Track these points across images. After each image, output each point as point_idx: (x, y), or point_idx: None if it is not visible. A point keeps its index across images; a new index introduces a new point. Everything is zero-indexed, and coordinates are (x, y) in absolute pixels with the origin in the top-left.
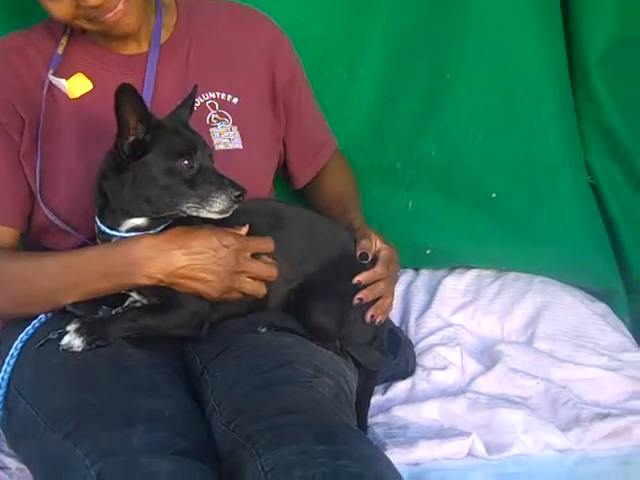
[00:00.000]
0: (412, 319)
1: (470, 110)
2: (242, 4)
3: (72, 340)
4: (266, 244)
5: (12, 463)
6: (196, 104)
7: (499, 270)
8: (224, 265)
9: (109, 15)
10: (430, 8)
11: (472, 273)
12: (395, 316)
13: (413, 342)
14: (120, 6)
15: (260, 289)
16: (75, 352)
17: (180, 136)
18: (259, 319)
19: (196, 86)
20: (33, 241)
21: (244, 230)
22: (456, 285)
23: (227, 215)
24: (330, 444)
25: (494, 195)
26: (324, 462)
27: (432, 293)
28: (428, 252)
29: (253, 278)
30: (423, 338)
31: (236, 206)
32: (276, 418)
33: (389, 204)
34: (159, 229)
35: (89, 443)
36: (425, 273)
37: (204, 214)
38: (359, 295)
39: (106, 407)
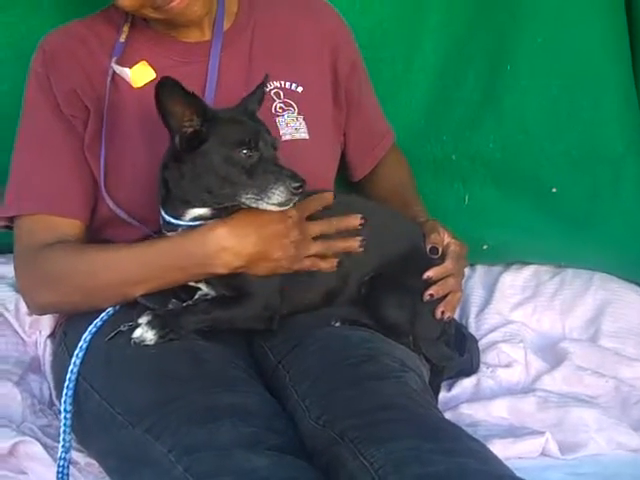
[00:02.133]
0: (472, 315)
1: (530, 102)
2: None
3: (144, 333)
4: (323, 199)
5: (80, 458)
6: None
7: (557, 266)
8: (290, 236)
9: (176, 2)
10: None
11: (530, 269)
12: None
13: None
14: None
15: (329, 248)
16: (148, 345)
17: (239, 125)
18: (331, 313)
19: (267, 75)
20: (94, 233)
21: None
22: (514, 281)
23: (286, 207)
24: (438, 441)
25: (554, 189)
26: (440, 459)
27: (490, 289)
28: (485, 248)
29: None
30: (485, 335)
31: (296, 199)
32: (371, 414)
33: (445, 198)
34: None
35: (172, 438)
36: (481, 269)
37: (263, 206)
38: (430, 291)
39: (187, 401)
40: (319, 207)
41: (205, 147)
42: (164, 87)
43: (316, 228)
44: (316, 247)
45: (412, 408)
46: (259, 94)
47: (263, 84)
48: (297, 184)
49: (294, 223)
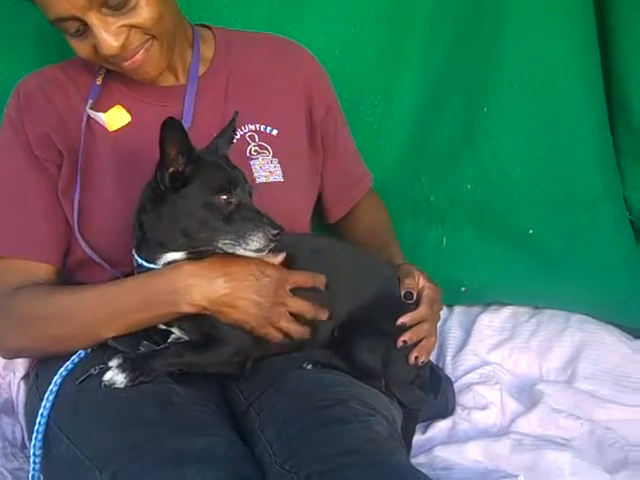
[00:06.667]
0: (449, 357)
1: (507, 144)
2: (279, 36)
3: (115, 376)
4: (307, 278)
5: None
6: (236, 136)
7: (535, 307)
8: (264, 295)
9: (126, 63)
10: (467, 42)
11: (507, 310)
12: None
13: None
14: (138, 56)
15: (298, 330)
16: (118, 388)
17: (220, 170)
18: (303, 356)
19: (237, 112)
20: (69, 275)
21: (280, 257)
22: (492, 322)
23: (263, 254)
24: None
25: (531, 231)
26: None
27: (468, 330)
28: (463, 289)
29: (293, 315)
30: (461, 376)
31: (272, 245)
32: (336, 459)
33: (423, 239)
34: None
35: None
36: (459, 310)
37: (240, 251)
38: (403, 337)
39: (155, 445)
40: (302, 284)
41: (187, 190)
42: (166, 126)
43: (298, 306)
44: (286, 322)
45: (376, 453)
46: (229, 133)
47: (232, 123)
48: (275, 231)
49: (272, 282)
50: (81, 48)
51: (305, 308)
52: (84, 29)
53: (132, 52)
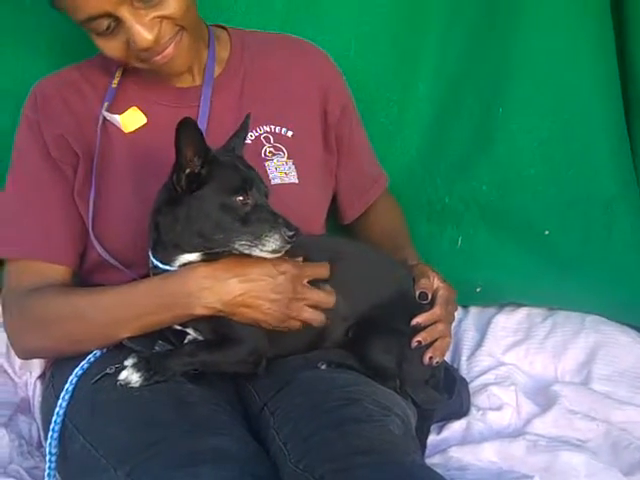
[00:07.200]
0: (464, 357)
1: (523, 145)
2: (295, 37)
3: (130, 375)
4: (322, 270)
5: None
6: (251, 137)
7: (550, 308)
8: (281, 292)
9: (158, 57)
10: (482, 42)
11: (522, 311)
12: (446, 354)
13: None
14: (170, 49)
15: (318, 317)
16: (133, 387)
17: (236, 171)
18: (317, 355)
19: (249, 115)
20: (85, 277)
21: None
22: (507, 323)
23: (279, 255)
24: None
25: (547, 232)
26: None
27: (483, 331)
28: (478, 290)
29: (311, 306)
30: (476, 377)
31: (289, 246)
32: (350, 458)
33: (438, 240)
34: None
35: None
36: (474, 310)
37: (256, 253)
38: (418, 337)
39: (170, 444)
40: (318, 276)
41: (203, 191)
42: (182, 126)
43: (318, 297)
44: (307, 314)
45: (390, 453)
46: (243, 134)
47: (246, 124)
48: (291, 232)
49: (288, 278)
50: (110, 46)
51: (325, 299)
52: (115, 25)
53: (164, 46)
